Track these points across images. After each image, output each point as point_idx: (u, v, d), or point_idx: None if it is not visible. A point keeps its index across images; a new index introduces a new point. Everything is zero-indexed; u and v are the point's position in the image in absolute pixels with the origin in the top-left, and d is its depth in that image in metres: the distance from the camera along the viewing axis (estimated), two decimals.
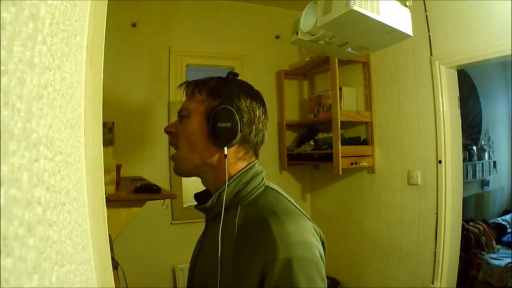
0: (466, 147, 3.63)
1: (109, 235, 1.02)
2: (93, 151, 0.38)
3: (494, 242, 3.40)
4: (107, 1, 0.41)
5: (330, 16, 1.12)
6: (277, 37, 3.05)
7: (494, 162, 4.21)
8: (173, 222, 2.65)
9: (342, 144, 2.43)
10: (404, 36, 1.23)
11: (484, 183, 4.05)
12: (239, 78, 0.81)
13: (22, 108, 0.24)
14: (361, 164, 2.49)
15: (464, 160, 3.43)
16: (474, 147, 3.85)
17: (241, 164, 0.77)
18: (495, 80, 4.31)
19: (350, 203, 2.77)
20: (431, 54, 2.16)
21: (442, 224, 2.09)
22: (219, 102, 0.73)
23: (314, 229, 0.71)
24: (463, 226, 2.57)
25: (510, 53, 1.75)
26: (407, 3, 1.32)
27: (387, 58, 2.45)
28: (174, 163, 0.80)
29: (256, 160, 0.80)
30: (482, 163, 3.99)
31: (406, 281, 2.30)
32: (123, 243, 2.04)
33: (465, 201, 2.67)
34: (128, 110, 2.57)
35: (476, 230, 3.32)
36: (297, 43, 1.33)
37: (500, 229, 3.67)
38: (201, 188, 0.84)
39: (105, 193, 0.41)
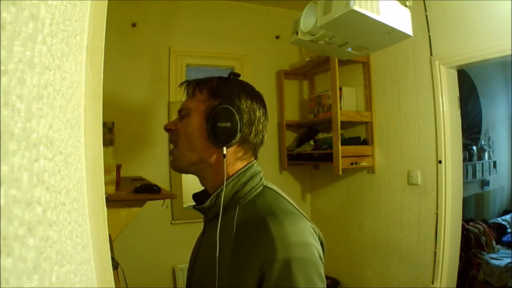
0: (466, 147, 3.63)
1: (109, 235, 1.02)
2: (93, 151, 0.38)
3: (494, 242, 3.40)
4: (107, 1, 0.41)
5: (330, 16, 1.12)
6: (277, 37, 3.05)
7: (494, 162, 4.21)
8: (173, 222, 2.65)
9: (342, 144, 2.43)
10: (404, 36, 1.23)
11: (484, 183, 4.05)
12: (239, 78, 0.81)
13: (22, 108, 0.24)
14: (361, 164, 2.49)
15: (464, 160, 3.43)
16: (474, 147, 3.85)
17: (240, 165, 0.76)
18: (495, 80, 4.31)
19: (350, 203, 2.77)
20: (431, 54, 2.16)
21: (442, 224, 2.09)
22: (220, 102, 0.73)
23: (313, 229, 0.71)
24: (463, 226, 2.57)
25: (510, 53, 1.75)
26: (407, 3, 1.32)
27: (387, 58, 2.45)
28: (172, 158, 0.80)
29: (255, 161, 0.80)
30: (482, 163, 3.99)
31: (406, 281, 2.30)
32: (123, 243, 2.04)
33: (465, 201, 2.67)
34: (128, 110, 2.57)
35: (476, 230, 3.32)
36: (297, 43, 1.33)
37: (500, 229, 3.67)
38: (201, 188, 0.83)
39: (105, 193, 0.41)
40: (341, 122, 2.45)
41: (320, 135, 2.79)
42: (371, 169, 2.57)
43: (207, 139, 0.73)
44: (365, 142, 2.58)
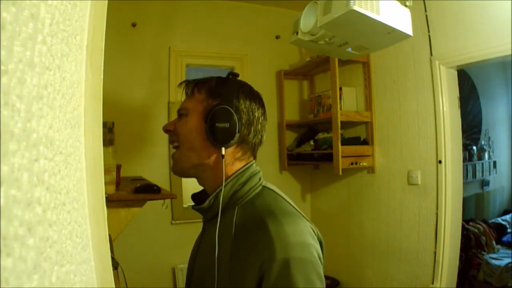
0: (466, 147, 3.63)
1: (109, 235, 1.02)
2: (93, 151, 0.38)
3: (494, 242, 3.40)
4: (107, 1, 0.41)
5: (330, 16, 1.12)
6: (277, 37, 3.05)
7: (494, 162, 4.21)
8: (173, 222, 2.65)
9: (342, 144, 2.43)
10: (404, 36, 1.23)
11: (484, 183, 4.05)
12: (239, 78, 0.81)
13: (22, 108, 0.24)
14: (361, 164, 2.49)
15: (464, 160, 3.43)
16: (474, 147, 3.85)
17: (239, 165, 0.76)
18: (495, 80, 4.31)
19: (350, 203, 2.77)
20: (431, 54, 2.16)
21: (442, 224, 2.09)
22: (218, 102, 0.73)
23: (312, 229, 0.71)
24: (463, 226, 2.57)
25: (510, 53, 1.75)
26: (407, 3, 1.31)
27: (387, 58, 2.45)
28: (173, 162, 0.80)
29: (254, 161, 0.80)
30: (482, 163, 3.99)
31: (406, 281, 2.30)
32: (123, 243, 2.04)
33: (465, 201, 2.66)
34: (128, 110, 2.57)
35: (476, 230, 3.32)
36: (297, 43, 1.33)
37: (500, 229, 3.67)
38: (200, 188, 0.83)
39: (105, 193, 0.41)
40: (341, 122, 2.45)
41: (320, 135, 2.79)
42: (371, 169, 2.57)
43: (206, 139, 0.73)
44: (365, 142, 2.58)
